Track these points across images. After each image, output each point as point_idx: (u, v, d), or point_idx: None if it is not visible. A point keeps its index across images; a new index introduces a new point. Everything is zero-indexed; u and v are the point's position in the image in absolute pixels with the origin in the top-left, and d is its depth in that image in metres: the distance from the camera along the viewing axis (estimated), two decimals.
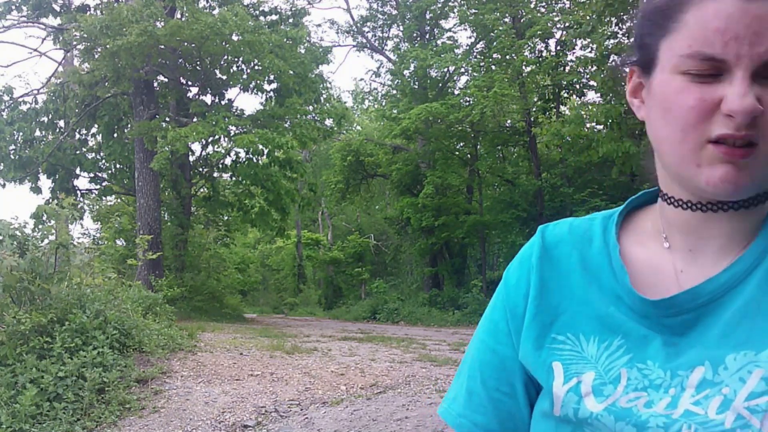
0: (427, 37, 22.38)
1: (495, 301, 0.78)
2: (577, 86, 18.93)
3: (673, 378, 0.62)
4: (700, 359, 0.61)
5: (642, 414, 0.61)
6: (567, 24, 16.78)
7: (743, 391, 0.58)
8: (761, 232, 0.65)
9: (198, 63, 16.03)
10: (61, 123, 17.74)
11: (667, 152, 0.64)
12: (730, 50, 0.58)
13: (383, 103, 24.75)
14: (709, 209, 0.65)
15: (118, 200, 20.83)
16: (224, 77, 16.51)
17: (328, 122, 18.94)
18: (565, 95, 19.65)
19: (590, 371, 0.65)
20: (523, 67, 18.20)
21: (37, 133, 17.54)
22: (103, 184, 19.08)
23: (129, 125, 16.89)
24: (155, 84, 16.73)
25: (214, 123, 14.51)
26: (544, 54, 18.95)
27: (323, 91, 18.39)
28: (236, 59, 15.77)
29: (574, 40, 17.06)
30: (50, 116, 17.44)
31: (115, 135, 18.12)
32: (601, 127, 14.72)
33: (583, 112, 15.39)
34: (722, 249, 0.66)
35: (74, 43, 15.55)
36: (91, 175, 18.74)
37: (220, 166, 19.10)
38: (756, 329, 0.60)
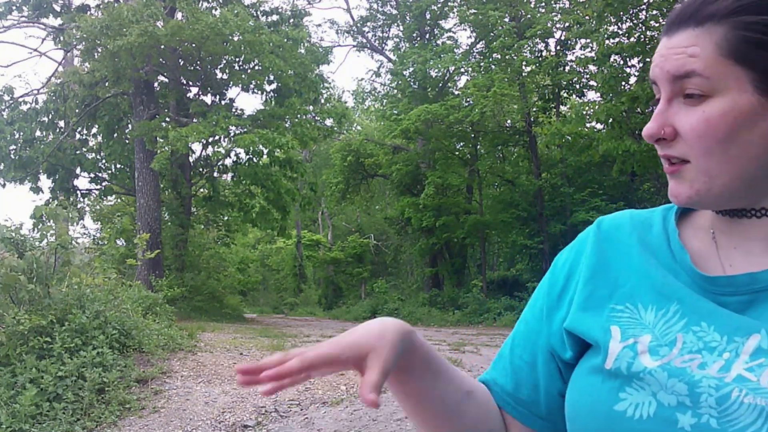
0: (427, 37, 22.37)
1: (542, 282, 0.84)
2: (577, 86, 18.92)
3: (729, 343, 0.64)
4: (757, 328, 0.64)
5: (695, 374, 0.63)
6: (567, 24, 16.77)
7: None
8: None
9: (198, 63, 16.03)
10: (61, 123, 17.72)
11: None
12: (656, 74, 0.69)
13: (384, 103, 24.74)
14: (727, 215, 0.71)
15: (119, 200, 20.80)
16: (224, 77, 16.51)
17: (328, 122, 18.95)
18: (565, 95, 19.64)
19: (647, 334, 0.69)
20: (523, 67, 18.19)
21: (37, 133, 17.51)
22: (104, 184, 19.06)
23: (129, 125, 16.88)
24: (155, 84, 16.72)
25: (214, 123, 14.50)
26: (544, 54, 18.94)
27: (323, 91, 18.39)
28: (237, 59, 15.77)
29: (574, 40, 17.05)
30: (50, 116, 17.42)
31: (115, 135, 18.11)
32: (601, 126, 14.70)
33: (584, 110, 15.36)
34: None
35: (74, 43, 15.54)
36: (92, 175, 18.72)
37: (221, 166, 19.10)
38: None
